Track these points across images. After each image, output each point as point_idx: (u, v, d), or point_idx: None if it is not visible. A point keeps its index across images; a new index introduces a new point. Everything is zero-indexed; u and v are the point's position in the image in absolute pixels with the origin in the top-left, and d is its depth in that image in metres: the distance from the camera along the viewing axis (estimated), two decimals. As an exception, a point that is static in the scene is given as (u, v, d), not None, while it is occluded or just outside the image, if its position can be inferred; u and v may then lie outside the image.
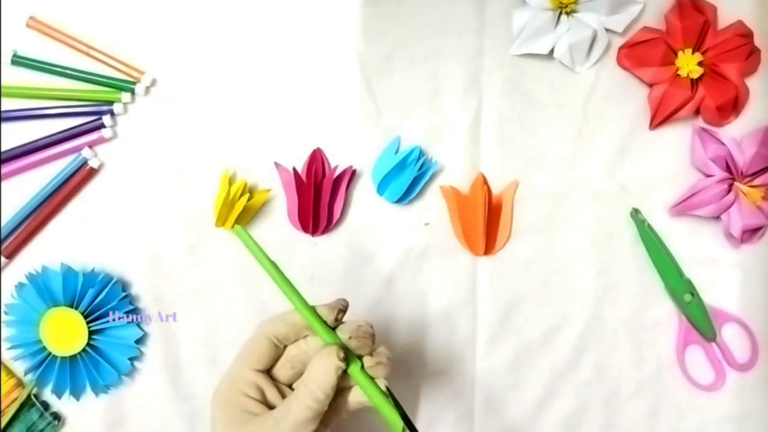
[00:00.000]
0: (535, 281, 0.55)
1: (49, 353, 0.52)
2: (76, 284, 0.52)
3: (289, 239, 0.55)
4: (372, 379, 0.41)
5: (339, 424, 0.42)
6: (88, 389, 0.53)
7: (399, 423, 0.39)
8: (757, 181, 0.54)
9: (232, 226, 0.41)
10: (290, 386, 0.44)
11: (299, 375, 0.43)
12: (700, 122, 0.55)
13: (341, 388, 0.41)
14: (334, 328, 0.42)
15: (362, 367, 0.41)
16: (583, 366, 0.55)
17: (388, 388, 0.40)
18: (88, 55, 0.54)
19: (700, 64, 0.54)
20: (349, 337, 0.41)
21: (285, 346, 0.43)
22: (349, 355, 0.40)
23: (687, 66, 0.54)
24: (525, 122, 0.56)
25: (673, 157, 0.56)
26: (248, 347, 0.43)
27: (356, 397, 0.42)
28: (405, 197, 0.55)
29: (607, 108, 0.56)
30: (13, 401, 0.53)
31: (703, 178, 0.55)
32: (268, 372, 0.43)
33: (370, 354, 0.41)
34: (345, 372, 0.40)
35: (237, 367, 0.43)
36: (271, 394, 0.42)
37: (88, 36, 0.55)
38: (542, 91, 0.56)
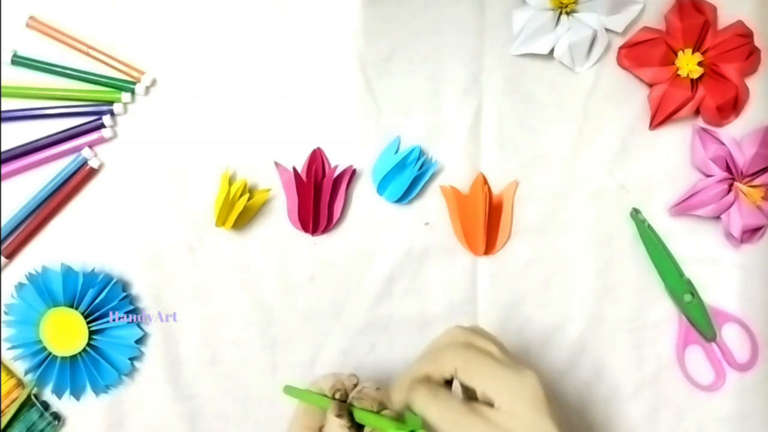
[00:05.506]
0: (535, 281, 0.55)
1: (49, 353, 0.52)
2: (76, 284, 0.52)
3: (289, 239, 0.55)
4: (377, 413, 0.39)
5: None
6: (88, 389, 0.53)
7: None
8: (757, 181, 0.54)
9: None
10: None
11: None
12: (700, 122, 0.55)
13: None
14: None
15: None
16: (583, 366, 0.55)
17: None
18: (88, 55, 0.54)
19: (700, 64, 0.54)
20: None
21: None
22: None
23: (687, 66, 0.54)
24: (525, 122, 0.56)
25: (673, 157, 0.56)
26: None
27: None
28: (405, 197, 0.55)
29: (607, 108, 0.56)
30: (13, 401, 0.53)
31: (703, 178, 0.55)
32: None
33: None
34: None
35: None
36: None
37: (88, 36, 0.55)
38: (542, 91, 0.56)
